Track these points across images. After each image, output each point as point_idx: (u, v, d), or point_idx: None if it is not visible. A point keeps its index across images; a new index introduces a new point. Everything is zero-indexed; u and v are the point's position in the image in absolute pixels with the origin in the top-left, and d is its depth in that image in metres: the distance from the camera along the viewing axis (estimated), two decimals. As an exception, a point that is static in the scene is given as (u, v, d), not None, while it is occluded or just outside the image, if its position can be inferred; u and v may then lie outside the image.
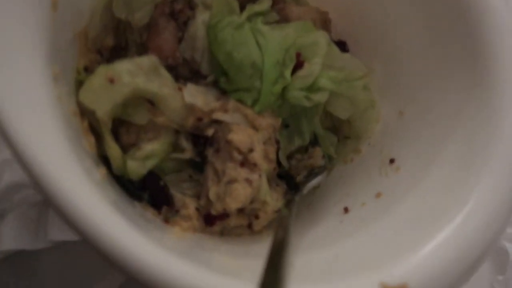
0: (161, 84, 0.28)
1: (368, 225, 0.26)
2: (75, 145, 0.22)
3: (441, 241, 0.20)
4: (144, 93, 0.28)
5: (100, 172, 0.24)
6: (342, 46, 0.37)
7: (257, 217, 0.30)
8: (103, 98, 0.26)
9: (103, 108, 0.27)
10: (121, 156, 0.29)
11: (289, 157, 0.35)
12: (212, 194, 0.29)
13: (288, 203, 0.29)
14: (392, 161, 0.30)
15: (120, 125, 0.30)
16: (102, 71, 0.26)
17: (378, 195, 0.29)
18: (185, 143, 0.31)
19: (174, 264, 0.19)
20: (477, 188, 0.22)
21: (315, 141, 0.35)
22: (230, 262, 0.23)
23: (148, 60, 0.28)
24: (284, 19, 0.33)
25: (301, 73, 0.30)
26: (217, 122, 0.30)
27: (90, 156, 0.26)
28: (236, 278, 0.20)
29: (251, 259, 0.22)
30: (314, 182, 0.31)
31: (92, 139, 0.27)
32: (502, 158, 0.22)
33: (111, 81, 0.26)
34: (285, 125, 0.34)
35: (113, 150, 0.28)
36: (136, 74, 0.27)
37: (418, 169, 0.27)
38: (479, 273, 0.39)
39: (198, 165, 0.32)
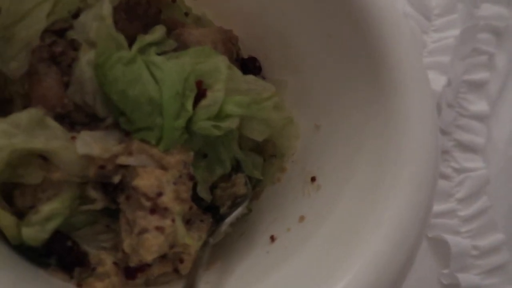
0: (48, 138, 0.26)
1: (290, 256, 0.24)
2: None
3: (352, 275, 0.19)
4: (29, 151, 0.25)
5: None
6: (252, 62, 0.35)
7: (181, 260, 0.28)
8: (-23, 167, 0.23)
9: (-20, 177, 0.24)
10: (14, 224, 0.26)
11: (214, 186, 0.33)
12: (126, 246, 0.27)
13: (204, 245, 0.27)
14: (313, 179, 0.29)
15: (14, 188, 0.27)
16: (-27, 136, 0.24)
17: (301, 218, 0.27)
18: (94, 193, 0.29)
19: None
20: (387, 210, 0.21)
21: (238, 166, 0.33)
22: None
23: (28, 115, 0.25)
24: (182, 45, 0.31)
25: (204, 102, 0.28)
26: (123, 166, 0.28)
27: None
28: None
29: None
30: (235, 214, 0.29)
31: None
32: (407, 175, 0.22)
33: (-17, 146, 0.23)
34: (204, 155, 0.32)
35: (3, 219, 0.25)
36: (12, 134, 0.24)
37: (335, 188, 0.26)
38: (425, 269, 0.39)
39: (115, 212, 0.29)
